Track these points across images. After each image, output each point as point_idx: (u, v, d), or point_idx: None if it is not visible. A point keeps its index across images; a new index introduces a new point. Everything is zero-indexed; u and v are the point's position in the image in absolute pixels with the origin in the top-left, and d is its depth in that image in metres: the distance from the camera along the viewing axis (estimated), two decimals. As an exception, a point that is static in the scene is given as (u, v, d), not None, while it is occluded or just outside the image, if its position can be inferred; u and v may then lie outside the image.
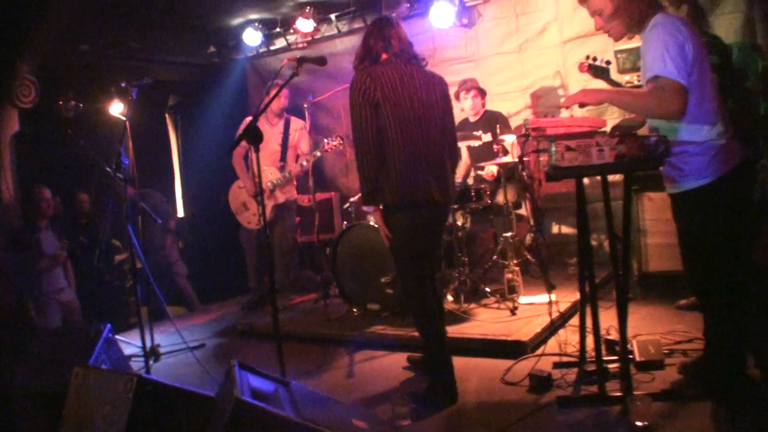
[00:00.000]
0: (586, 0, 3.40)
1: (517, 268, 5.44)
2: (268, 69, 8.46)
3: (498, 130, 5.78)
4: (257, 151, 3.46)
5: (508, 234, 5.50)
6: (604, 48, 6.26)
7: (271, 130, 6.40)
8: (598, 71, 4.20)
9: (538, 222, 5.82)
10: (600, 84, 4.25)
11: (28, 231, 5.93)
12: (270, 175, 6.33)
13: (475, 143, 6.10)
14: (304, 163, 6.24)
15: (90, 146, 5.78)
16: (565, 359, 4.11)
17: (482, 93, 6.33)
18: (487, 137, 6.03)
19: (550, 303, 4.40)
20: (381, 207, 3.72)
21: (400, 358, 4.57)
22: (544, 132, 3.28)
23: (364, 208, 3.85)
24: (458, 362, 4.27)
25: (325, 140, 6.09)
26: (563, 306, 4.95)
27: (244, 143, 4.18)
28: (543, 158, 3.09)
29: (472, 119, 6.37)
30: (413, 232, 3.71)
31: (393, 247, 3.79)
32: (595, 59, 4.21)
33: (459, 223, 5.56)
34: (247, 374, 2.86)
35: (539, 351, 4.33)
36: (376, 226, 3.89)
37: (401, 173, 3.59)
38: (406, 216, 3.67)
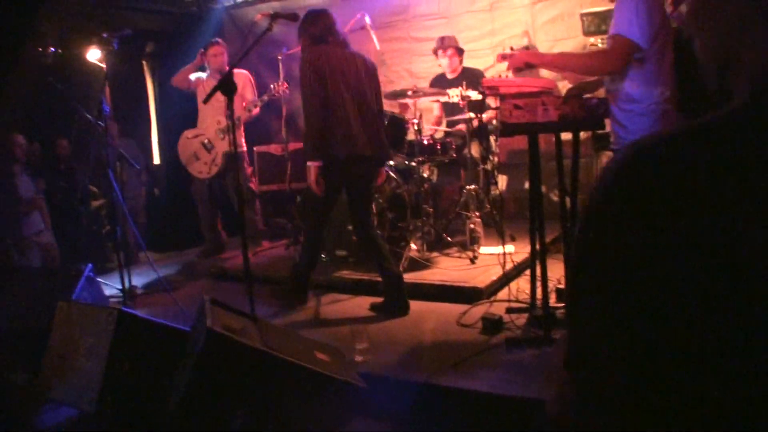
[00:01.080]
0: None
1: (478, 220, 5.67)
2: (246, 20, 8.46)
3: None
4: (231, 101, 3.69)
5: (471, 186, 5.74)
6: (572, 10, 6.45)
7: (215, 84, 6.47)
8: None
9: (494, 176, 6.06)
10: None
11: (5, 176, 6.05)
12: (218, 123, 6.43)
13: (452, 100, 6.24)
14: (252, 108, 6.37)
15: (69, 92, 5.88)
16: (517, 305, 4.39)
17: (459, 52, 6.39)
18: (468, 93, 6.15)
19: (504, 254, 4.68)
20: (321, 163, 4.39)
21: (363, 301, 4.83)
22: (497, 91, 3.48)
23: (309, 163, 4.37)
24: (417, 305, 4.59)
25: (272, 85, 6.12)
26: (521, 257, 5.14)
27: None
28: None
29: (449, 76, 6.42)
30: (338, 184, 4.52)
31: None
32: (512, 48, 4.46)
33: (425, 175, 5.79)
34: (219, 309, 3.10)
35: (494, 297, 4.63)
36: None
37: (343, 131, 4.34)
38: (341, 168, 4.40)
